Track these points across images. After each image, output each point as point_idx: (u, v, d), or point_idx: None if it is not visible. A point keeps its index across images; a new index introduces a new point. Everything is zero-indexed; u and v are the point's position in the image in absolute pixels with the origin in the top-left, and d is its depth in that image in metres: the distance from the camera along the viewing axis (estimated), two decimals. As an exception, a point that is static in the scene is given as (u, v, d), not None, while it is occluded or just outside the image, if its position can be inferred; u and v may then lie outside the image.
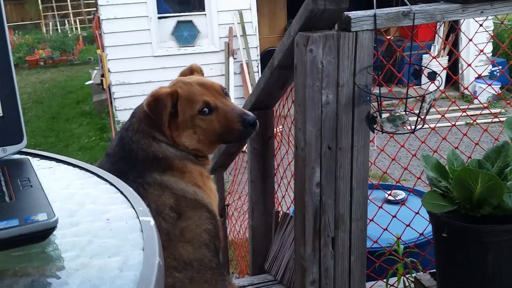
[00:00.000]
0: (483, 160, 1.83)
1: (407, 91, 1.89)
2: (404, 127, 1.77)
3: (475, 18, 2.11)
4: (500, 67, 8.43)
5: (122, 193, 0.82)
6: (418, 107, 1.76)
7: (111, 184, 0.86)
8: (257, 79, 8.62)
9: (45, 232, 0.65)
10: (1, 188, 0.75)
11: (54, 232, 0.67)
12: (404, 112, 1.79)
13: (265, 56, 9.16)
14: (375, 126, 1.80)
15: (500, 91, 7.91)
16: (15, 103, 0.90)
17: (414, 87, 2.12)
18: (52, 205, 0.70)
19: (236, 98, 8.57)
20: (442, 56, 9.25)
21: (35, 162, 0.91)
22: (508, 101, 2.55)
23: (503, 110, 3.14)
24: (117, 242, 0.67)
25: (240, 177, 3.63)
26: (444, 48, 9.28)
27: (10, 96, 0.89)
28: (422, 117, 1.74)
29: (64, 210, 0.74)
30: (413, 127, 1.76)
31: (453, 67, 8.88)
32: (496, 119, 2.74)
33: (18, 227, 0.64)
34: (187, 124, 1.71)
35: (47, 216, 0.66)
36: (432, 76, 1.77)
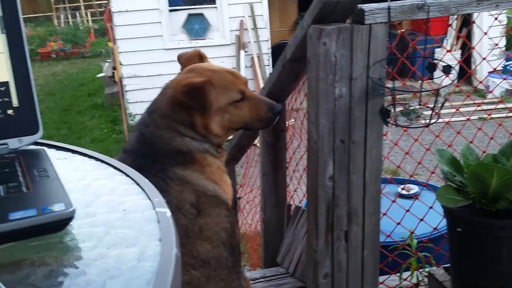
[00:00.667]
0: (498, 154, 1.82)
1: (421, 85, 1.87)
2: (418, 121, 1.75)
3: (490, 12, 2.09)
4: (513, 61, 8.34)
5: (138, 184, 0.82)
6: (431, 101, 1.75)
7: (127, 175, 0.86)
8: (268, 72, 8.60)
9: (63, 223, 0.65)
10: (18, 179, 0.75)
11: (71, 223, 0.66)
12: (418, 106, 1.78)
13: (276, 50, 9.13)
14: (388, 119, 1.79)
15: (513, 86, 7.84)
16: (31, 93, 0.90)
17: (427, 81, 2.10)
18: (69, 196, 0.69)
19: (247, 91, 8.55)
20: (455, 50, 9.18)
21: (50, 152, 0.91)
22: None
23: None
24: (134, 233, 0.67)
25: (252, 170, 3.63)
26: (457, 43, 9.20)
27: (26, 87, 0.89)
28: (437, 111, 1.73)
29: (80, 201, 0.74)
30: (427, 121, 1.75)
31: (466, 61, 8.81)
32: (510, 114, 2.71)
33: (36, 217, 0.64)
34: (219, 112, 1.74)
35: (64, 207, 0.65)
36: (447, 69, 1.76)
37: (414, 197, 2.71)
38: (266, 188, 2.76)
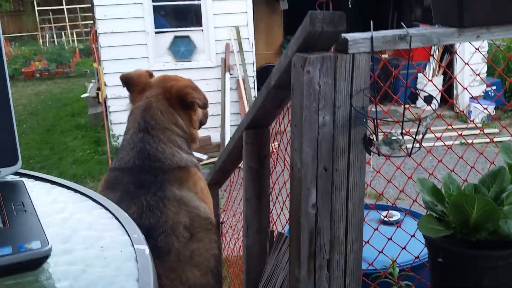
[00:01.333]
0: (479, 184, 1.83)
1: (403, 114, 1.88)
2: (401, 150, 1.76)
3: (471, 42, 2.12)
4: (494, 87, 8.48)
5: (117, 218, 0.81)
6: (414, 126, 1.76)
7: (106, 209, 0.85)
8: (253, 95, 8.63)
9: (39, 261, 0.64)
10: (-5, 213, 0.74)
11: (48, 260, 0.65)
12: (400, 135, 1.79)
13: (261, 72, 9.20)
14: (371, 148, 1.80)
15: (494, 112, 7.95)
16: (10, 123, 0.89)
17: (410, 106, 2.12)
18: (46, 231, 0.68)
19: (232, 113, 8.58)
20: (437, 75, 9.30)
21: (29, 183, 0.90)
22: (504, 125, 2.56)
23: (498, 131, 3.15)
24: (111, 271, 0.66)
25: (236, 194, 3.61)
26: (439, 70, 9.33)
27: (5, 116, 0.88)
28: (419, 139, 1.74)
29: (58, 236, 0.73)
30: (409, 148, 1.75)
31: (448, 87, 8.93)
32: (491, 139, 2.74)
33: (11, 255, 0.63)
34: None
35: (40, 244, 0.64)
36: (429, 99, 1.78)
37: (396, 224, 2.71)
38: (249, 213, 2.75)
